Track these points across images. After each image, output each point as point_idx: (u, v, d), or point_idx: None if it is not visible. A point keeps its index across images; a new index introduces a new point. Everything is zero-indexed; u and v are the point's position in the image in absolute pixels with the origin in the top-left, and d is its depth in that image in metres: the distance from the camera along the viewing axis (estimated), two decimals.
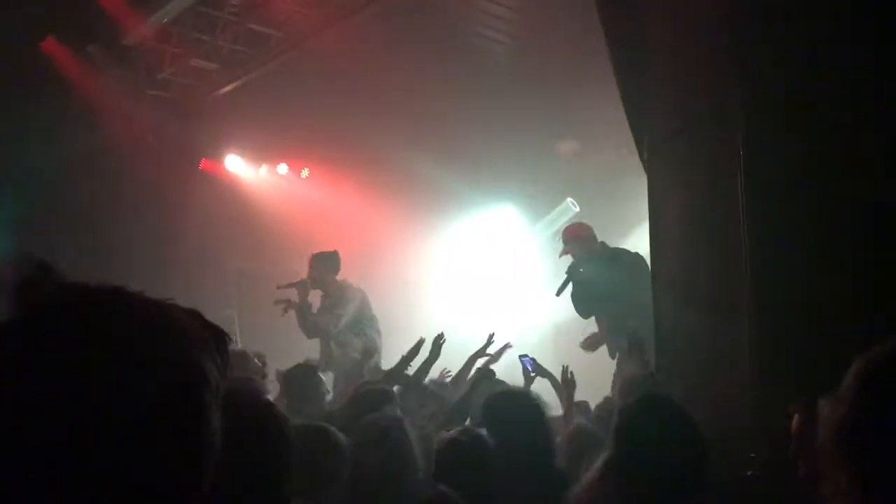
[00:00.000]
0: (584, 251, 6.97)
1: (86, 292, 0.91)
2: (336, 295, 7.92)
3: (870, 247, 2.95)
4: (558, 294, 6.79)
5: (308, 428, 2.97)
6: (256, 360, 5.54)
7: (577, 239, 7.14)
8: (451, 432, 3.10)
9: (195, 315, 1.01)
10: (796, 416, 2.16)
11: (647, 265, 6.14)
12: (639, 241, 6.53)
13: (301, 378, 5.30)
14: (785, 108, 3.21)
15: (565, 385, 4.88)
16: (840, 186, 3.02)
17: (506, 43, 9.01)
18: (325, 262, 8.13)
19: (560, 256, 7.18)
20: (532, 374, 5.44)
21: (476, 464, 2.87)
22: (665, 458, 2.16)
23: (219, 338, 0.99)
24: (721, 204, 3.49)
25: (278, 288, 8.04)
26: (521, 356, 5.64)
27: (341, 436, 3.07)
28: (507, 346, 6.47)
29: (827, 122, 3.07)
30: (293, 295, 8.02)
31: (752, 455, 2.99)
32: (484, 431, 3.09)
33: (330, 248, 10.81)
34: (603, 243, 7.09)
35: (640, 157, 4.63)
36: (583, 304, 6.91)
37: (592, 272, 6.76)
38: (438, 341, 5.98)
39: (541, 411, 3.43)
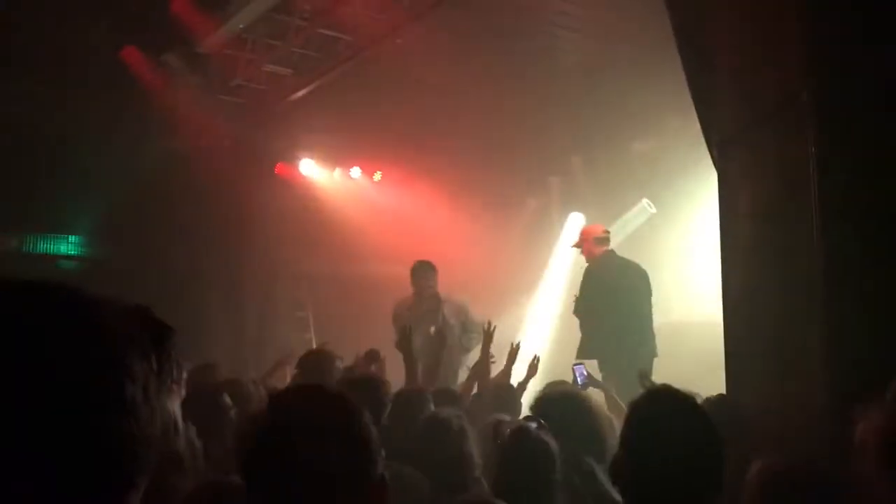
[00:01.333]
0: (585, 251, 7.30)
1: (7, 287, 0.90)
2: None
3: None
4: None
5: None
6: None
7: (583, 238, 7.46)
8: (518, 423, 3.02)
9: (136, 313, 0.99)
10: (860, 424, 2.01)
11: (640, 285, 6.82)
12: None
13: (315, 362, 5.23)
14: (857, 103, 3.03)
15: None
16: None
17: (577, 41, 8.88)
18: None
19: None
20: (582, 384, 5.25)
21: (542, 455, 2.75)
22: (674, 455, 2.02)
23: (160, 334, 0.99)
24: (791, 203, 3.32)
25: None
26: (574, 364, 5.47)
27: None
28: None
29: None
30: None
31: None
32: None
33: (403, 252, 10.93)
34: (611, 251, 7.27)
35: (710, 153, 4.47)
36: (576, 302, 7.16)
37: (586, 273, 7.19)
38: (489, 330, 5.86)
39: (595, 413, 3.31)
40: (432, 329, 6.93)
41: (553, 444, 2.67)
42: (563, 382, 4.94)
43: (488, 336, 5.76)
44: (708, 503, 2.03)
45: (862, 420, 1.99)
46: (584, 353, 6.64)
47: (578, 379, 5.28)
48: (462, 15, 7.96)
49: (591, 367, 5.99)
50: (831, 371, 2.92)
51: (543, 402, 3.33)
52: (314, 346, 10.52)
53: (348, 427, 1.62)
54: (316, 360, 5.09)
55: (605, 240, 7.31)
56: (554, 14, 8.51)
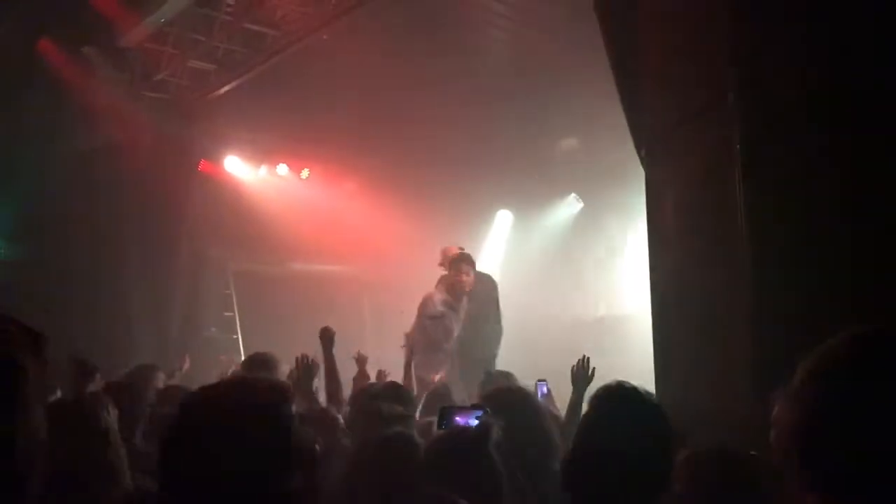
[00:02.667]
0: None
1: None
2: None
3: (868, 244, 2.89)
4: None
5: None
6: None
7: (444, 257, 7.78)
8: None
9: (10, 320, 1.03)
10: (777, 406, 2.07)
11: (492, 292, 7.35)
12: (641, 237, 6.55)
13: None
14: (782, 103, 3.15)
15: (576, 378, 4.61)
16: (838, 181, 2.96)
17: (504, 40, 8.95)
18: None
19: None
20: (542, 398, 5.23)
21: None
22: (624, 450, 2.04)
23: (36, 340, 1.02)
24: (718, 200, 3.43)
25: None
26: (539, 381, 5.41)
27: None
28: None
29: (824, 117, 3.01)
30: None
31: (753, 453, 2.92)
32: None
33: (331, 249, 10.86)
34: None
35: (638, 153, 4.57)
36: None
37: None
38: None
39: (541, 408, 3.35)
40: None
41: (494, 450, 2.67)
42: (508, 374, 4.97)
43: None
44: (656, 496, 2.07)
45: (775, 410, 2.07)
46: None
47: (539, 395, 5.21)
48: (390, 10, 7.93)
49: None
50: (759, 360, 3.02)
51: (491, 395, 3.36)
52: (241, 345, 10.41)
53: (264, 425, 1.56)
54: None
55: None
56: (483, 11, 8.57)
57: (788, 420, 1.31)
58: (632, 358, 6.40)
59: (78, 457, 2.70)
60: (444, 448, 2.57)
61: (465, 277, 7.30)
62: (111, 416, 2.98)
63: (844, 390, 1.24)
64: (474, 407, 3.18)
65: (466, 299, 7.37)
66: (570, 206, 11.59)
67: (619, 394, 2.18)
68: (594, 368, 4.52)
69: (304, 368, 4.63)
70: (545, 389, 5.10)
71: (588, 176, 10.40)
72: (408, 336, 6.89)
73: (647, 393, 2.21)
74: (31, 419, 0.92)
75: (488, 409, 3.05)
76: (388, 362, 8.34)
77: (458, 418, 3.16)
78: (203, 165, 10.45)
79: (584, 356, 4.65)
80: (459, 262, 7.39)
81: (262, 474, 1.52)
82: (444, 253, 7.97)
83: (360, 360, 6.08)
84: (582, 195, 11.40)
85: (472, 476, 2.43)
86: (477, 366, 6.86)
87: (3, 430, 0.89)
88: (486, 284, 7.81)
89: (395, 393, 4.00)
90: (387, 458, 2.73)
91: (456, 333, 7.29)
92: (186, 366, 6.67)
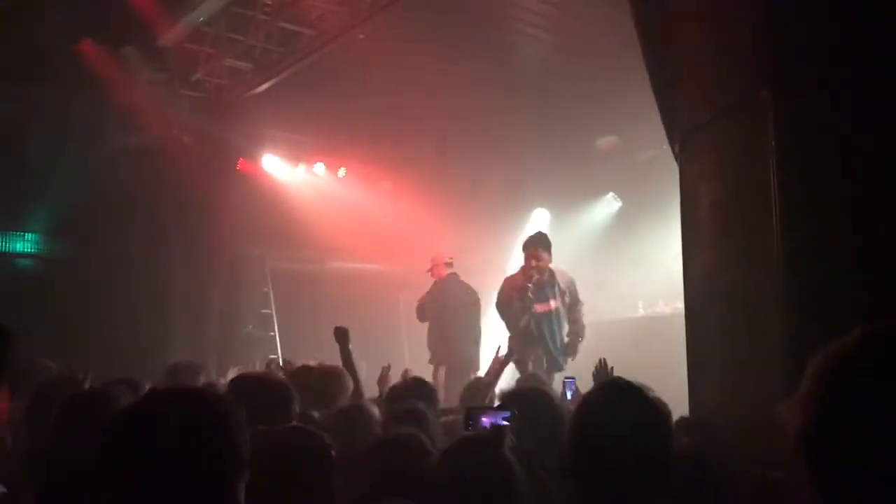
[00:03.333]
0: (434, 274, 8.27)
1: None
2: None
3: None
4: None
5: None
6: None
7: (433, 264, 8.44)
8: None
9: None
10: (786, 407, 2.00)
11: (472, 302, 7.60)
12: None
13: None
14: (816, 98, 3.06)
15: (597, 379, 4.63)
16: (873, 178, 2.87)
17: (542, 38, 8.89)
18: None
19: None
20: (571, 399, 5.19)
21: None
22: (621, 447, 2.01)
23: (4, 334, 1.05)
24: (752, 195, 3.35)
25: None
26: (566, 378, 5.37)
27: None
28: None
29: (859, 113, 2.92)
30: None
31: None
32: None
33: (368, 248, 10.88)
34: (454, 274, 8.34)
35: (672, 150, 4.49)
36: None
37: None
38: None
39: (556, 409, 3.30)
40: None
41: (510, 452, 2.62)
42: (534, 376, 4.94)
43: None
44: (656, 496, 2.02)
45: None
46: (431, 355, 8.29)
47: (568, 394, 5.18)
48: (425, 9, 7.92)
49: None
50: (794, 358, 2.94)
51: (512, 397, 3.33)
52: (278, 343, 10.49)
53: (204, 431, 1.57)
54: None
55: (450, 265, 8.72)
56: (519, 10, 8.52)
57: (795, 421, 1.26)
58: (670, 359, 6.31)
59: None
60: (456, 454, 2.53)
61: (534, 263, 7.26)
62: None
63: (851, 391, 1.19)
64: (500, 408, 3.15)
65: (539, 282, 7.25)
66: (607, 205, 11.49)
67: (613, 390, 2.15)
68: (612, 368, 4.60)
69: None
70: (573, 387, 5.07)
71: (626, 174, 10.29)
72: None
73: (641, 389, 2.17)
74: None
75: (515, 411, 3.02)
76: (421, 361, 8.40)
77: (484, 419, 3.13)
78: (241, 164, 10.54)
79: (601, 359, 4.77)
80: (529, 248, 7.37)
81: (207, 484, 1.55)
82: (434, 261, 8.70)
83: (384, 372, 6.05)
84: (620, 194, 11.29)
85: (485, 484, 2.39)
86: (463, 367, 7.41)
87: None
88: (469, 295, 8.53)
89: (418, 389, 3.98)
90: (386, 461, 2.71)
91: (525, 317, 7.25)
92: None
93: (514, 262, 11.70)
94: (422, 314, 8.69)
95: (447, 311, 8.35)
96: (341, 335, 5.07)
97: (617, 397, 2.12)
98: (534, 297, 7.19)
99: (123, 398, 3.04)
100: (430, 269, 8.74)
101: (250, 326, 10.67)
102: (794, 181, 3.07)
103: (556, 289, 7.27)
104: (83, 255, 9.15)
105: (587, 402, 2.18)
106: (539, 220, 12.05)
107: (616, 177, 10.85)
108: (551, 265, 7.32)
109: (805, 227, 3.03)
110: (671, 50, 4.30)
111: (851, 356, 1.24)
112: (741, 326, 3.50)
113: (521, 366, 6.74)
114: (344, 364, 4.90)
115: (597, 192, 11.34)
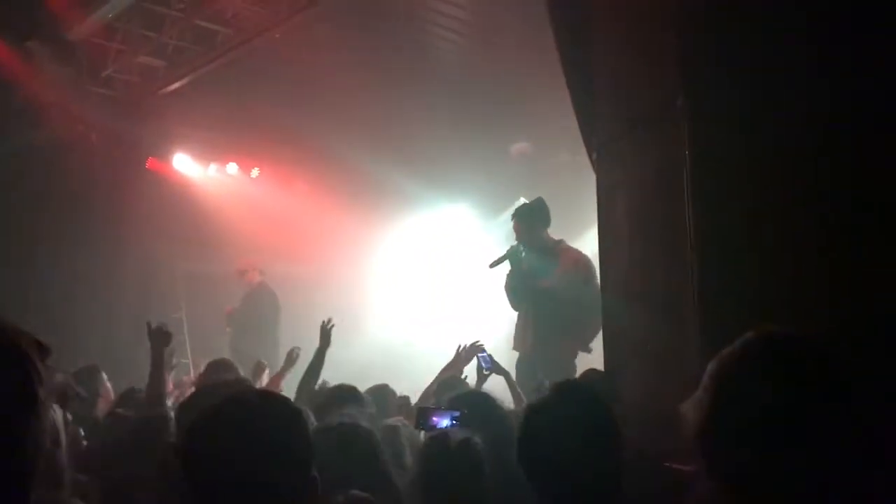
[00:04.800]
0: (528, 233, 6.71)
1: None
2: (554, 253, 6.66)
3: (813, 246, 2.98)
4: (491, 266, 6.69)
5: None
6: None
7: (249, 267, 7.66)
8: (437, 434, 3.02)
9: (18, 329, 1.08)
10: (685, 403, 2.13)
11: (588, 269, 6.32)
12: (592, 242, 6.54)
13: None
14: (730, 108, 3.23)
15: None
16: (786, 186, 3.05)
17: (457, 42, 9.00)
18: (533, 214, 6.84)
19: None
20: (486, 372, 5.38)
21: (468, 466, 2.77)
22: (567, 448, 2.08)
23: (40, 348, 1.07)
24: (667, 200, 3.50)
25: (491, 267, 6.80)
26: (479, 355, 5.58)
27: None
28: (476, 346, 5.94)
29: (772, 122, 3.10)
30: None
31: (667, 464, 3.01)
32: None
33: (282, 249, 10.76)
34: (263, 281, 7.56)
35: (589, 157, 4.64)
36: (515, 293, 6.66)
37: (532, 259, 6.63)
38: (326, 326, 5.62)
39: (499, 409, 3.40)
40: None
41: (479, 446, 2.71)
42: (459, 380, 5.03)
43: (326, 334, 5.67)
44: (607, 497, 2.10)
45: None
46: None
47: (483, 365, 5.38)
48: (343, 10, 7.92)
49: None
50: (705, 362, 3.09)
51: (460, 402, 3.39)
52: (188, 348, 10.26)
53: (286, 436, 1.63)
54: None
55: (262, 273, 9.68)
56: (435, 13, 8.60)
57: (693, 417, 1.39)
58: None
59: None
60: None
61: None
62: (58, 416, 2.95)
63: (739, 389, 1.33)
64: (450, 408, 3.23)
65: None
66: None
67: (563, 392, 2.22)
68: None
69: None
70: (488, 358, 5.28)
71: (538, 179, 10.47)
72: None
73: (591, 391, 2.25)
74: (43, 422, 0.96)
75: (465, 411, 3.10)
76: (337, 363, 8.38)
77: (434, 418, 3.21)
78: (151, 163, 10.29)
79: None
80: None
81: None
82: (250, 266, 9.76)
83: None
84: (529, 198, 11.44)
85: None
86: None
87: (17, 430, 0.91)
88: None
89: (346, 395, 4.03)
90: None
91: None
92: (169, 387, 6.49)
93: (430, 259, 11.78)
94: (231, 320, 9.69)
95: (252, 313, 9.59)
96: (157, 337, 4.83)
97: (565, 400, 2.19)
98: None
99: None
100: (245, 273, 9.75)
101: None
102: (709, 185, 3.23)
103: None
104: None
105: (536, 405, 2.25)
106: (458, 220, 12.13)
107: (528, 181, 11.03)
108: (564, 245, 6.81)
109: (718, 230, 3.20)
110: (588, 59, 4.44)
111: (740, 358, 1.38)
112: (657, 326, 3.66)
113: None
114: (152, 367, 4.65)
115: (511, 195, 11.50)
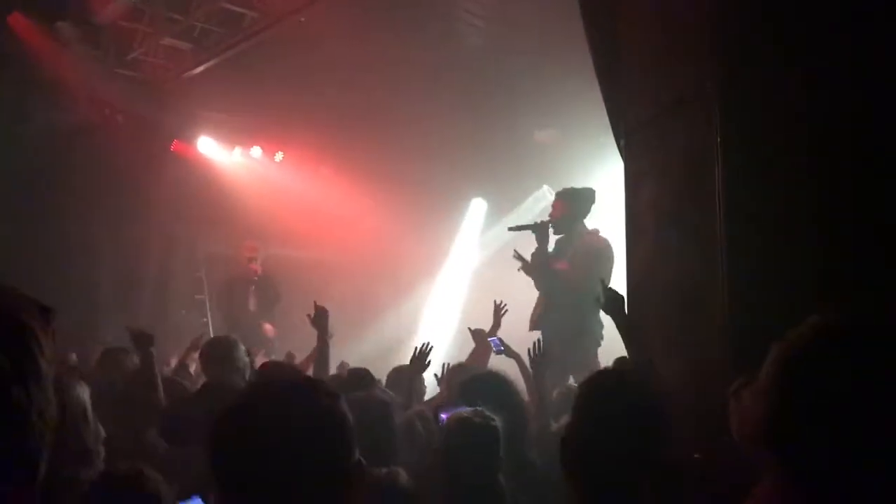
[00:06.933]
0: (565, 216, 6.79)
1: None
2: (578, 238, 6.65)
3: (848, 235, 2.93)
4: (510, 229, 6.84)
5: None
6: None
7: (571, 201, 6.99)
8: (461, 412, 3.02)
9: (18, 292, 1.00)
10: (744, 396, 2.10)
11: (595, 258, 6.42)
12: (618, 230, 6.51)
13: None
14: (762, 94, 3.17)
15: (533, 366, 4.79)
16: (822, 174, 2.99)
17: (485, 27, 8.93)
18: (577, 199, 6.84)
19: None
20: (497, 352, 5.39)
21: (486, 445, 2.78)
22: (615, 433, 2.08)
23: (43, 312, 0.99)
24: (695, 191, 3.45)
25: (510, 230, 6.89)
26: (488, 336, 5.59)
27: None
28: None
29: (803, 110, 3.04)
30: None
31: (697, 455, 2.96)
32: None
33: (304, 234, 10.79)
34: (585, 227, 7.01)
35: (617, 144, 4.59)
36: (535, 271, 6.68)
37: (560, 241, 6.74)
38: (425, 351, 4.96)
39: (516, 393, 3.39)
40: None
41: (498, 427, 2.73)
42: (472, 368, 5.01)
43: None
44: (649, 481, 2.09)
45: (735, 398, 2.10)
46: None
47: (494, 348, 5.38)
48: None
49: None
50: (732, 353, 3.06)
51: (474, 384, 3.39)
52: (210, 329, 10.32)
53: (326, 421, 1.55)
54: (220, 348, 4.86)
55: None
56: None
57: (756, 411, 1.32)
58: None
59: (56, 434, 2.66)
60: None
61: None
62: (85, 394, 2.96)
63: (812, 380, 1.26)
64: (462, 400, 3.22)
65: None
66: (541, 198, 11.59)
67: (608, 379, 2.21)
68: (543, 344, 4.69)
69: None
70: (498, 341, 5.25)
71: (563, 167, 10.41)
72: None
73: (636, 377, 2.25)
74: (47, 394, 0.89)
75: (479, 403, 3.08)
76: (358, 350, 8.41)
77: (443, 416, 3.21)
78: (176, 146, 10.34)
79: (537, 340, 4.82)
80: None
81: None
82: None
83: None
84: (555, 187, 11.39)
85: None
86: None
87: (19, 402, 0.85)
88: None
89: (360, 381, 4.04)
90: None
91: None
92: (174, 364, 6.54)
93: (454, 250, 11.77)
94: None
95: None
96: (139, 340, 4.77)
97: (613, 388, 2.19)
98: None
99: (77, 384, 2.96)
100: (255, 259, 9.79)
101: (183, 312, 10.49)
102: (740, 172, 3.18)
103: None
104: (10, 235, 8.84)
105: (583, 392, 2.25)
106: (477, 210, 12.13)
107: (552, 169, 10.96)
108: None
109: (749, 217, 3.14)
110: (617, 44, 4.38)
111: (812, 344, 1.31)
112: (684, 316, 3.61)
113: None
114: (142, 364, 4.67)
115: (533, 185, 11.44)
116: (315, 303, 5.11)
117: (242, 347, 4.80)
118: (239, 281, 9.74)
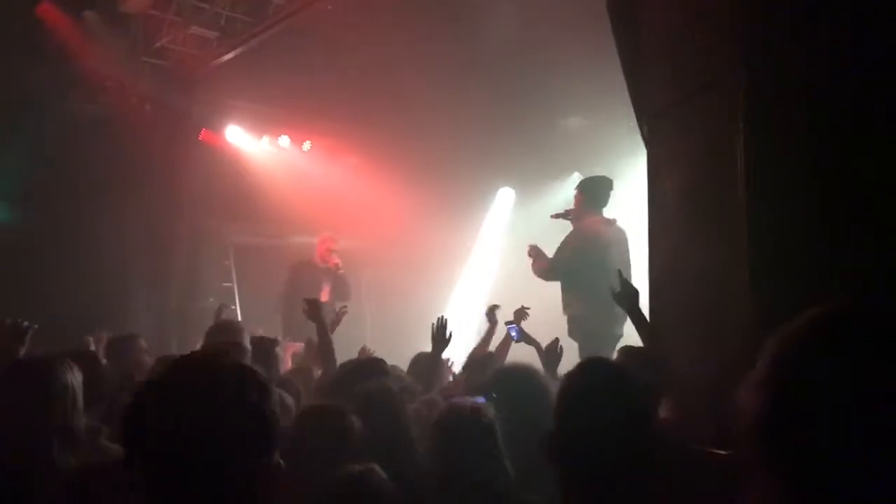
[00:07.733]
0: (581, 205, 6.93)
1: None
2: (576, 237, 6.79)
3: (872, 224, 2.83)
4: (553, 216, 7.03)
5: None
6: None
7: (584, 189, 7.09)
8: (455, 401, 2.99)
9: None
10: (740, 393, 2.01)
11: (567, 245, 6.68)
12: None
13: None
14: (786, 81, 3.08)
15: (549, 355, 4.84)
16: (841, 160, 2.90)
17: (512, 14, 8.83)
18: (588, 189, 6.97)
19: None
20: (517, 340, 5.39)
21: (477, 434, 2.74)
22: (600, 428, 2.01)
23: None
24: (719, 178, 3.36)
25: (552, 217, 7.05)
26: (507, 323, 5.58)
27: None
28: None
29: (828, 95, 2.94)
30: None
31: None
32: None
33: (331, 223, 10.79)
34: (601, 216, 7.00)
35: (641, 131, 4.50)
36: (562, 262, 6.74)
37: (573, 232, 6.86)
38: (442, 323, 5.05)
39: (547, 387, 3.33)
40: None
41: (490, 420, 2.67)
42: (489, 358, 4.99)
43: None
44: (639, 476, 2.03)
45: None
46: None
47: (513, 335, 5.39)
48: None
49: None
50: (757, 340, 2.97)
51: (499, 377, 3.36)
52: (239, 316, 10.39)
53: (244, 404, 1.49)
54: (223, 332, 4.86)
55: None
56: None
57: (751, 408, 1.25)
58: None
59: (40, 418, 2.67)
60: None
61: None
62: (76, 380, 2.93)
63: (807, 377, 1.18)
64: (479, 392, 3.19)
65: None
66: (572, 185, 11.49)
67: (590, 370, 2.16)
68: (562, 346, 4.84)
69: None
70: (517, 329, 5.26)
71: (592, 153, 10.30)
72: None
73: (620, 369, 2.19)
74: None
75: (494, 395, 3.05)
76: (382, 340, 8.39)
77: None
78: (204, 135, 10.39)
79: (556, 339, 4.99)
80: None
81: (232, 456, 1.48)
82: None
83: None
84: (586, 174, 11.29)
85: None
86: None
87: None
88: None
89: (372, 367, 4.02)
90: None
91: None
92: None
93: (481, 239, 11.72)
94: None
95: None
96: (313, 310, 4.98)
97: (597, 377, 2.13)
98: None
99: (65, 368, 2.93)
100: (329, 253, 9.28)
101: (211, 300, 10.55)
102: (765, 159, 3.09)
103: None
104: (41, 223, 8.96)
105: (569, 383, 2.18)
106: (504, 199, 12.06)
107: (582, 156, 10.85)
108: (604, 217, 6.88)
109: (773, 205, 3.05)
110: (641, 30, 4.30)
111: (806, 340, 1.23)
112: (706, 303, 3.53)
113: None
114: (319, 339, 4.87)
115: (562, 172, 11.34)
116: (304, 298, 5.27)
117: (248, 336, 4.80)
118: (310, 269, 9.30)
